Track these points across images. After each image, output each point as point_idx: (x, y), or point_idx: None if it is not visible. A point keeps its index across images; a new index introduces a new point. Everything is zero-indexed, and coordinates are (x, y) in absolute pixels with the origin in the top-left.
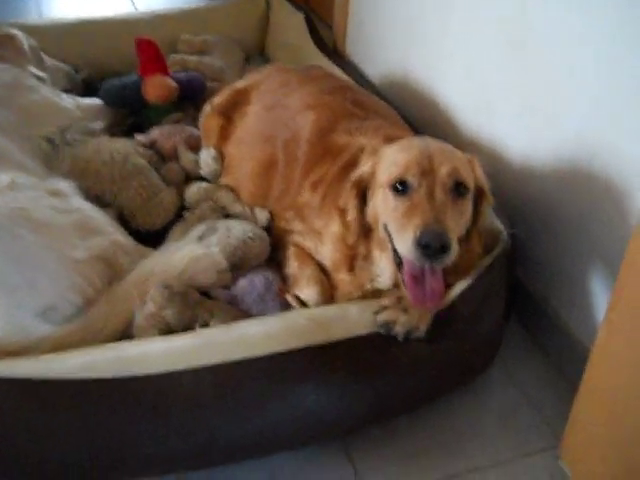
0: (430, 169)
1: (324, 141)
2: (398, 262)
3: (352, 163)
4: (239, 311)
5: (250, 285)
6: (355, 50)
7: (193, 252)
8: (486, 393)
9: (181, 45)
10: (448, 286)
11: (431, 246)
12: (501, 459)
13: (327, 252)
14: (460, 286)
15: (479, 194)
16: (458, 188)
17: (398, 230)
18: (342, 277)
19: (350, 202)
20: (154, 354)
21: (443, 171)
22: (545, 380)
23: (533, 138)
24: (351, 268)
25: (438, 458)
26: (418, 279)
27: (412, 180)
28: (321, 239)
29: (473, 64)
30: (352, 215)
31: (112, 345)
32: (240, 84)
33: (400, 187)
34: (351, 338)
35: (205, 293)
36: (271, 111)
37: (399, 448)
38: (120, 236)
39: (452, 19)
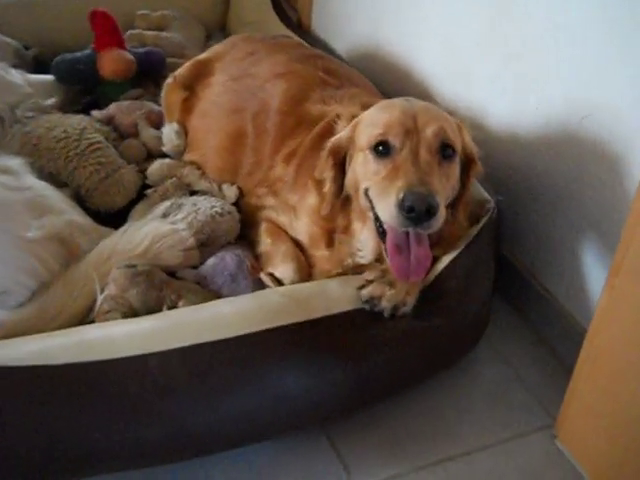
0: (414, 129)
1: (296, 111)
2: (381, 231)
3: (327, 132)
4: (209, 292)
5: (221, 263)
6: (322, 25)
7: (158, 229)
8: (474, 372)
9: (138, 21)
10: (433, 260)
11: (416, 209)
12: (495, 440)
13: (303, 227)
14: (447, 258)
15: (467, 161)
16: (445, 150)
17: (380, 194)
18: (320, 253)
19: (327, 172)
20: (119, 337)
21: (428, 131)
22: (534, 357)
23: (517, 104)
24: (330, 243)
25: (428, 442)
26: (402, 249)
27: (394, 141)
28: (296, 214)
29: (451, 30)
30: (329, 185)
31: (73, 329)
32: (203, 55)
33: (382, 149)
34: (331, 315)
35: (172, 274)
36: (238, 81)
37: (386, 433)
38: (77, 215)
39: None
